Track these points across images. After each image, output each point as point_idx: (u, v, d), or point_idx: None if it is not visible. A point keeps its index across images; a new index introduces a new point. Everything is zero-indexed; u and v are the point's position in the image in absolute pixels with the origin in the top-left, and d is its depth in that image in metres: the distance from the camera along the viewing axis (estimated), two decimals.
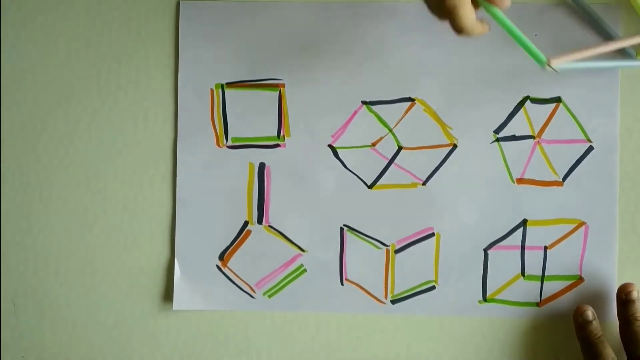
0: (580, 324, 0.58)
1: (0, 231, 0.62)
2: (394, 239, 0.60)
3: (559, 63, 0.50)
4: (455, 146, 0.60)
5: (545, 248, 0.60)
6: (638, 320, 0.56)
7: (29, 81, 0.62)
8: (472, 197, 0.60)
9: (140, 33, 0.61)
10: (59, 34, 0.61)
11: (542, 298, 0.60)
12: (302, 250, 0.61)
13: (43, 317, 0.62)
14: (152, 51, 0.61)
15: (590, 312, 0.58)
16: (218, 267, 0.61)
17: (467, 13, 0.46)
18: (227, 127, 0.61)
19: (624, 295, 0.57)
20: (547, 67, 0.50)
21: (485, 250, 0.60)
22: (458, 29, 0.47)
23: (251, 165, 0.61)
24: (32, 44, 0.62)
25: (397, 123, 0.60)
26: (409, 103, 0.60)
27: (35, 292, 0.62)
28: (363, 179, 0.60)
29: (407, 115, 0.60)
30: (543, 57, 0.50)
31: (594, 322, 0.57)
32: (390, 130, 0.60)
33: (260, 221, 0.61)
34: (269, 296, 0.61)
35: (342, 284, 0.61)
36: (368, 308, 0.60)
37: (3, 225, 0.62)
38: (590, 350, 0.57)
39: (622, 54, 0.59)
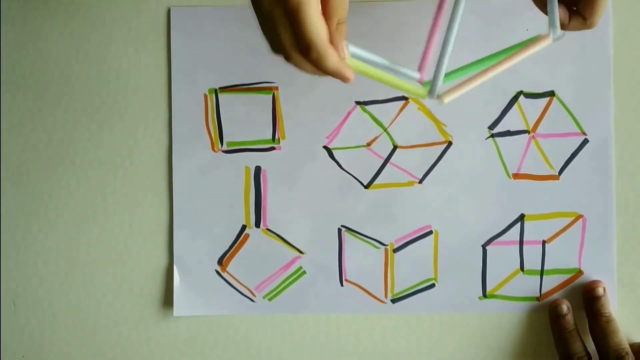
0: (554, 317, 0.58)
1: (1, 231, 0.62)
2: (392, 238, 0.60)
3: (450, 98, 0.50)
4: (450, 143, 0.60)
5: (544, 242, 0.60)
6: (603, 316, 0.57)
7: (28, 81, 0.62)
8: (468, 194, 0.60)
9: (132, 40, 0.61)
10: (56, 40, 0.62)
11: (542, 292, 0.60)
12: (301, 252, 0.61)
13: (43, 317, 0.62)
14: (144, 58, 0.61)
15: (564, 306, 0.58)
16: (217, 272, 0.61)
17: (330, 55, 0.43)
18: (222, 132, 0.61)
19: (589, 293, 0.58)
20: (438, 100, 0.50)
21: (484, 247, 0.60)
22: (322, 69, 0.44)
23: (247, 169, 0.61)
24: (32, 46, 0.62)
25: (392, 122, 0.60)
26: (402, 102, 0.60)
27: (36, 292, 0.62)
28: (359, 179, 0.60)
29: (401, 114, 0.60)
30: (424, 92, 0.50)
31: (567, 316, 0.58)
32: (385, 130, 0.60)
33: (257, 225, 0.61)
34: (269, 299, 0.61)
35: (341, 284, 0.61)
36: (369, 308, 0.60)
37: (3, 225, 0.62)
38: (562, 343, 0.57)
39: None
